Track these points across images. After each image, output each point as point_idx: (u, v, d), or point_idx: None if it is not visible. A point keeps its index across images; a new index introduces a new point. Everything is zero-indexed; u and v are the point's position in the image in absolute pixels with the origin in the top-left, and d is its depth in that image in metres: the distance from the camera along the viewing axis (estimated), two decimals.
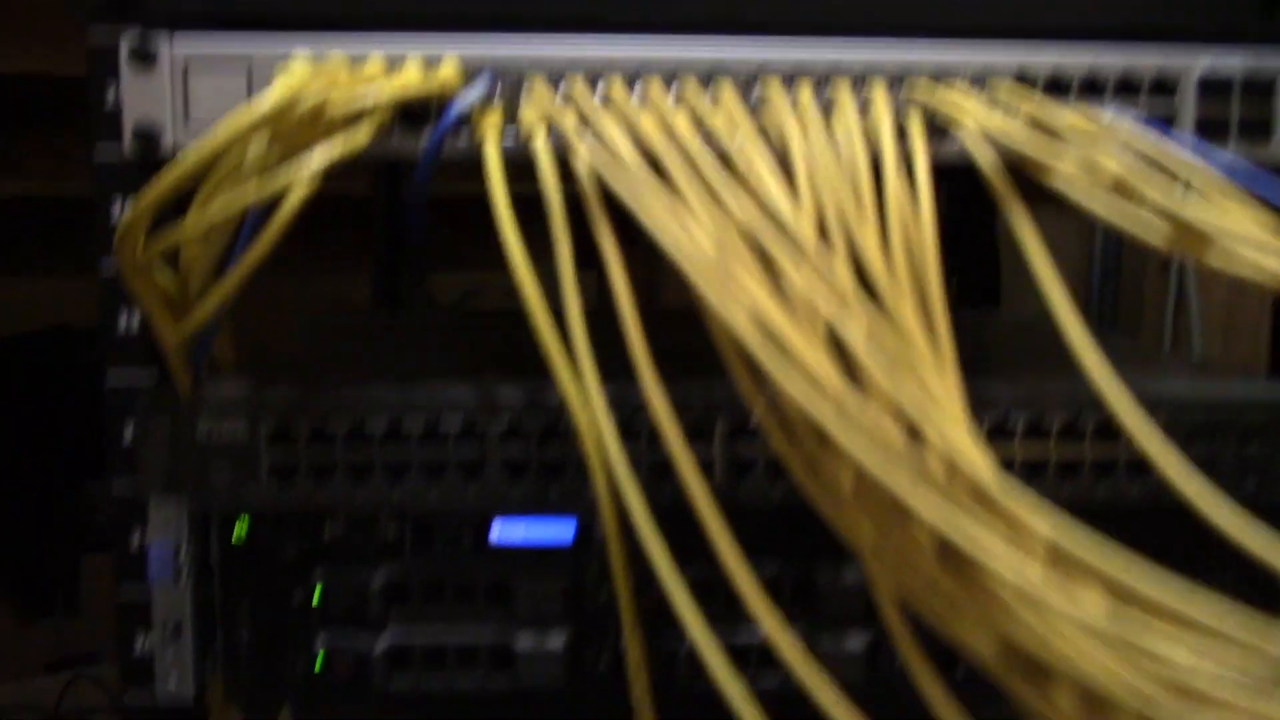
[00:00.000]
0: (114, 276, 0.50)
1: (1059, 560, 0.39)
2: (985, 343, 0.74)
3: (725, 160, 0.46)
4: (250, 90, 0.48)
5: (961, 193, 0.90)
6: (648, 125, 0.47)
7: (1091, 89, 0.51)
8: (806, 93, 0.49)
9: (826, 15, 0.51)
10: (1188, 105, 0.51)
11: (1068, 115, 0.48)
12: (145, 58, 0.48)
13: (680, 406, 0.45)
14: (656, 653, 0.52)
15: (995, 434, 0.51)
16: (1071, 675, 0.39)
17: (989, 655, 0.41)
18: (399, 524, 0.52)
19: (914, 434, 0.40)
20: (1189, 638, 0.38)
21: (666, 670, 0.52)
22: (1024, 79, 0.51)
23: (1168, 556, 0.40)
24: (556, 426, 0.50)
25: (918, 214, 0.46)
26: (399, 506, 0.51)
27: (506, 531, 0.52)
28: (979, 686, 0.46)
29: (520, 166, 0.48)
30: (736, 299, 0.41)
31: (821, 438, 0.42)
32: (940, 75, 0.50)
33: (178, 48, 0.49)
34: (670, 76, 0.50)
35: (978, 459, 0.40)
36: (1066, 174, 0.45)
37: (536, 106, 0.48)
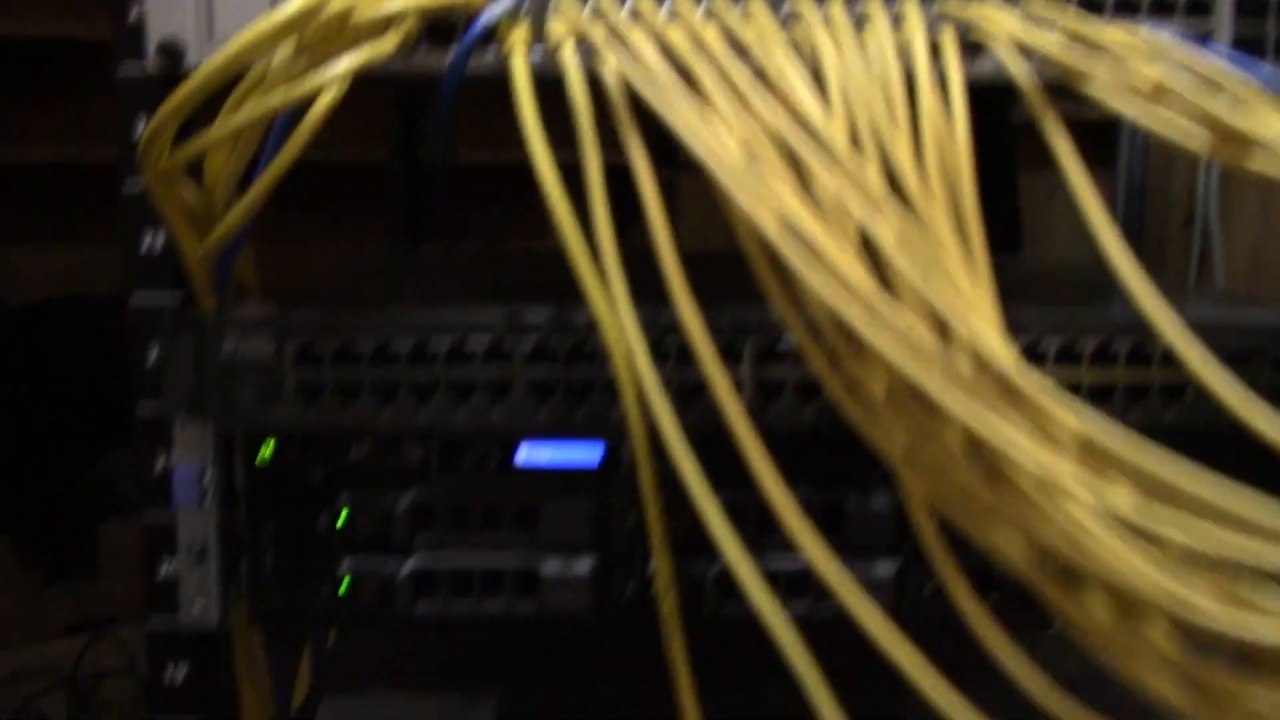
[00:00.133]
0: (138, 195, 0.50)
1: (1090, 455, 0.38)
2: (1010, 284, 0.73)
3: (756, 72, 0.45)
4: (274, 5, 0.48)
5: (982, 141, 0.89)
6: (677, 38, 0.46)
7: (1126, 8, 0.50)
8: (838, 7, 0.48)
9: None
10: (1224, 24, 0.51)
11: (1105, 29, 0.47)
12: None
13: (709, 330, 0.44)
14: (683, 579, 0.51)
15: (1028, 358, 0.50)
16: (1103, 576, 0.38)
17: (1021, 561, 0.40)
18: (425, 447, 0.51)
19: (945, 335, 0.40)
20: (1223, 532, 0.37)
21: (693, 596, 0.52)
22: None
23: None
24: (584, 348, 0.49)
25: (951, 126, 0.46)
26: (425, 428, 0.50)
27: (533, 454, 0.51)
28: (1011, 611, 0.46)
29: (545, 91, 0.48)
30: (765, 201, 0.41)
31: (852, 342, 0.41)
32: None
33: None
34: None
35: (1009, 357, 0.40)
36: (1104, 81, 0.44)
37: (564, 20, 0.48)
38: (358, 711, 0.64)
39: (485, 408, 0.50)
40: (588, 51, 0.47)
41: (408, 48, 0.46)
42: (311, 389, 0.49)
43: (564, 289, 0.51)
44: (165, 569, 0.53)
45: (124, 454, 1.45)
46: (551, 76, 0.47)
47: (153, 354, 0.52)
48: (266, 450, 0.51)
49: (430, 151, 1.05)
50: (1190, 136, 0.43)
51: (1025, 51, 0.47)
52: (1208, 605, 0.37)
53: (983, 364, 0.39)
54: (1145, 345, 0.51)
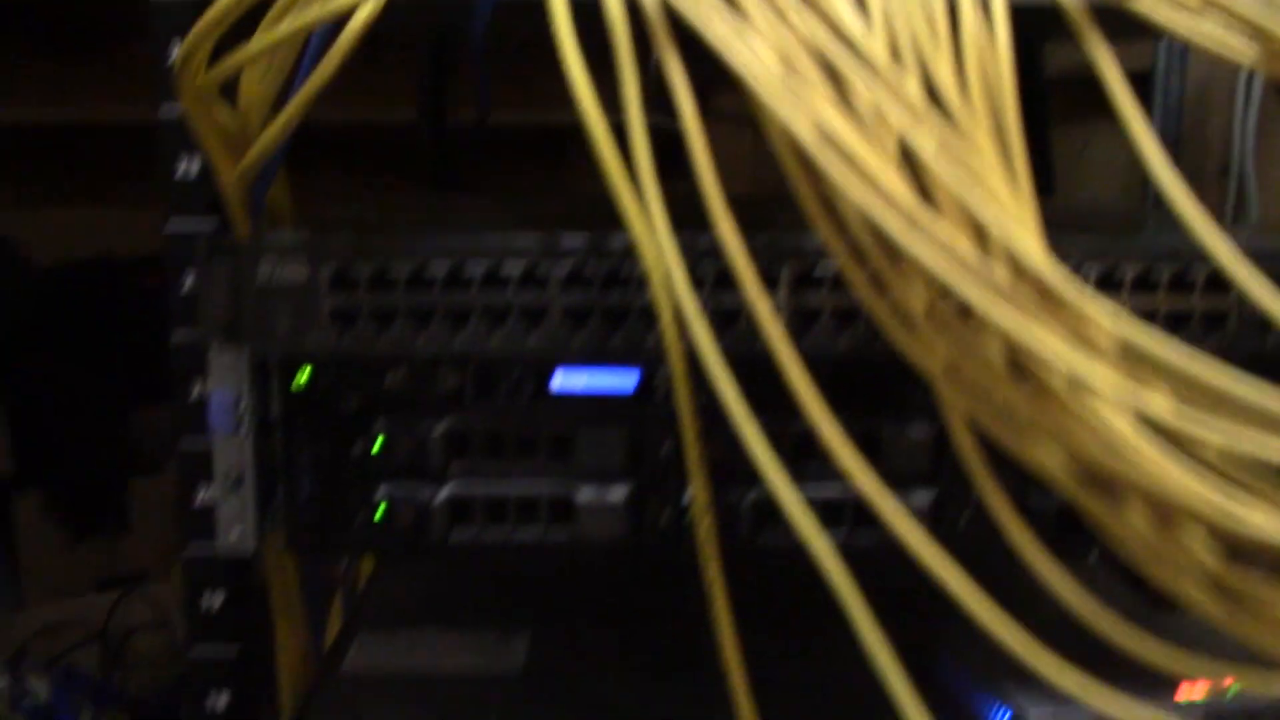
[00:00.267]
0: (173, 120, 0.49)
1: (1128, 361, 0.38)
2: (1046, 220, 0.72)
3: None
4: None
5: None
6: None
7: None
8: None
9: None
10: None
11: None
12: None
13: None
14: (717, 508, 0.51)
15: None
16: (1141, 485, 0.38)
17: (1061, 474, 0.40)
18: (460, 373, 0.51)
19: (985, 245, 0.39)
20: (1263, 435, 0.37)
21: (728, 524, 0.51)
22: None
23: None
24: (620, 272, 0.49)
25: (994, 43, 0.45)
26: (460, 354, 0.50)
27: (568, 381, 0.51)
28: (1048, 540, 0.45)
29: None
30: (803, 112, 0.40)
31: (892, 255, 0.41)
32: None
33: None
34: None
35: (1048, 264, 0.39)
36: None
37: None
38: (392, 647, 0.64)
39: (520, 333, 0.50)
40: None
41: None
42: (346, 314, 0.49)
43: (600, 222, 0.51)
44: (201, 496, 0.53)
45: (153, 413, 1.47)
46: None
47: (188, 281, 0.52)
48: (302, 377, 0.51)
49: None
50: (1238, 51, 0.43)
51: None
52: (1247, 512, 0.37)
53: (1022, 271, 0.38)
54: (1187, 272, 0.50)
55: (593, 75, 0.45)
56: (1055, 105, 0.98)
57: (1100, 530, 0.40)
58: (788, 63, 0.42)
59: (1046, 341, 0.38)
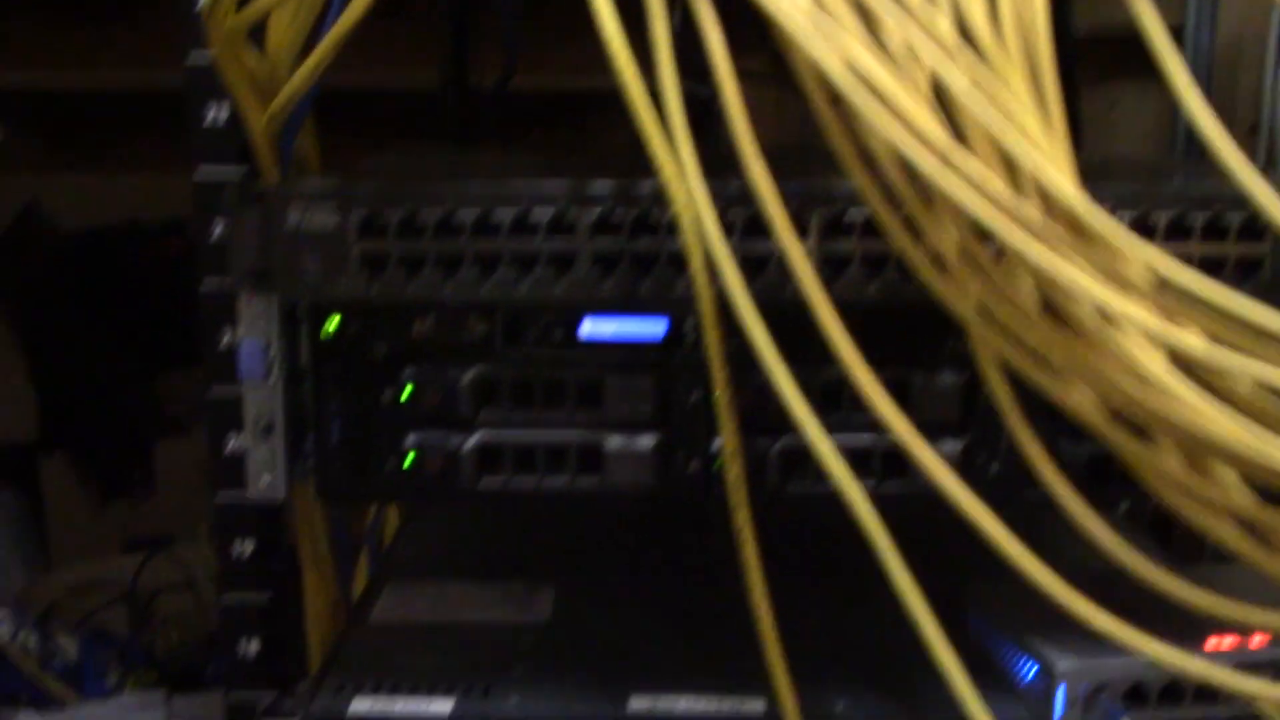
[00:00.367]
0: (201, 66, 0.49)
1: (1162, 297, 0.37)
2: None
3: None
4: None
5: None
6: None
7: None
8: None
9: None
10: None
11: None
12: None
13: None
14: (745, 455, 0.51)
15: None
16: (1173, 423, 0.38)
17: (1093, 414, 0.40)
18: (489, 321, 0.51)
19: (1017, 183, 0.39)
20: None
21: (756, 473, 0.51)
22: None
23: None
24: (649, 219, 0.49)
25: None
26: (488, 301, 0.50)
27: (597, 328, 0.51)
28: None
29: None
30: (833, 48, 0.40)
31: (924, 196, 0.41)
32: None
33: None
34: None
35: (1081, 199, 0.39)
36: None
37: None
38: (420, 598, 0.64)
39: (549, 280, 0.50)
40: None
41: None
42: (376, 260, 0.49)
43: (628, 171, 0.51)
44: (231, 445, 0.54)
45: (178, 377, 1.48)
46: None
47: (216, 229, 0.52)
48: (331, 324, 0.51)
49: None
50: None
51: None
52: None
53: (1055, 208, 0.38)
54: (1221, 218, 0.50)
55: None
56: (1082, 66, 0.97)
57: (1133, 471, 0.40)
58: (818, 1, 0.41)
59: (1079, 278, 0.38)
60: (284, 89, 0.46)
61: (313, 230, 0.49)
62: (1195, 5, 1.04)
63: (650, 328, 0.51)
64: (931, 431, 0.51)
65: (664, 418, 0.52)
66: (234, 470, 0.53)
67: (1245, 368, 0.37)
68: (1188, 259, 0.49)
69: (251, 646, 0.56)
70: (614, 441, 0.52)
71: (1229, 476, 0.39)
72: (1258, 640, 0.53)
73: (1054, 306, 0.40)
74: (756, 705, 0.54)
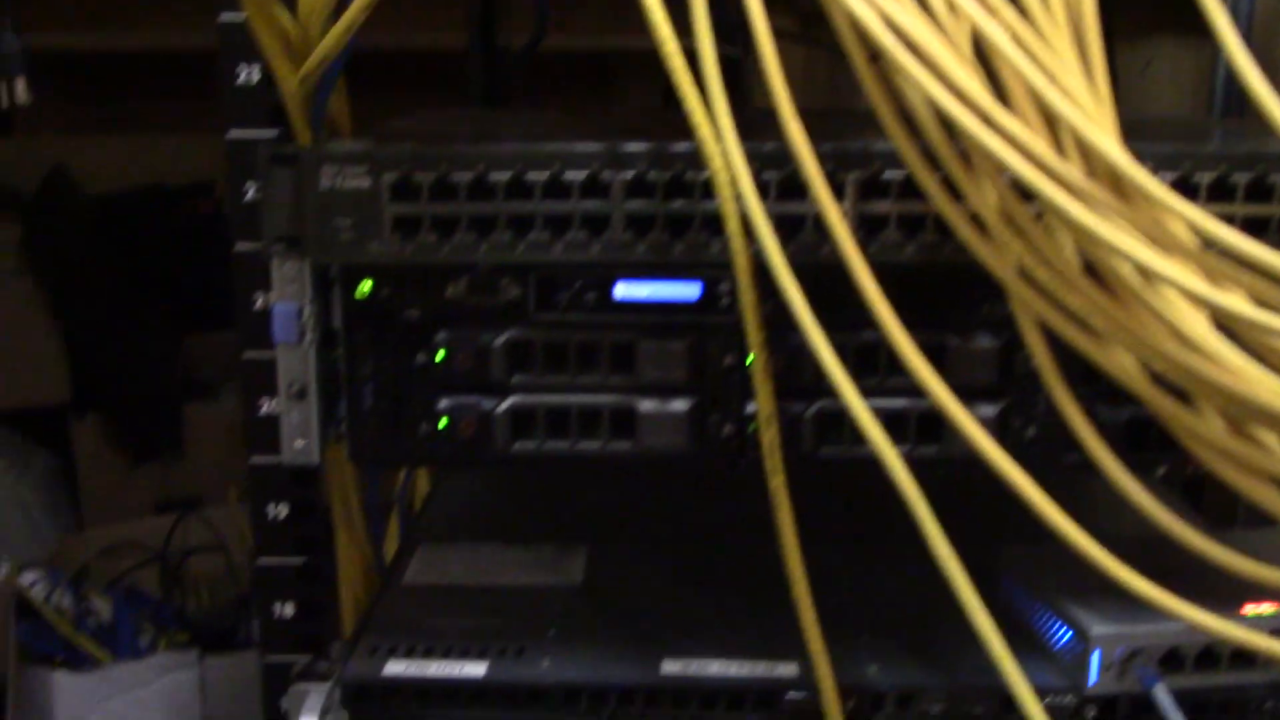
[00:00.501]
0: (233, 25, 0.49)
1: (1206, 258, 0.37)
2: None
3: None
4: None
5: None
6: None
7: None
8: None
9: None
10: None
11: None
12: None
13: None
14: (780, 419, 0.50)
15: None
16: (1219, 386, 0.37)
17: (1135, 376, 0.39)
18: (522, 283, 0.51)
19: (1059, 142, 0.39)
20: None
21: (790, 436, 0.51)
22: None
23: None
24: (683, 179, 0.48)
25: None
26: (522, 263, 0.50)
27: (630, 291, 0.51)
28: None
29: None
30: (871, 2, 0.39)
31: (964, 156, 0.40)
32: None
33: None
34: None
35: (1127, 159, 0.38)
36: None
37: None
38: (452, 561, 0.65)
39: (583, 242, 0.49)
40: None
41: None
42: (409, 223, 0.49)
43: (662, 134, 0.50)
44: (265, 408, 0.54)
45: (206, 339, 1.48)
46: None
47: (249, 191, 0.51)
48: (364, 287, 0.51)
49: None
50: None
51: None
52: None
53: (1097, 167, 0.37)
54: (1266, 179, 0.49)
55: None
56: (1117, 22, 0.96)
57: (1174, 435, 0.40)
58: None
59: (1122, 239, 0.37)
60: (315, 50, 0.46)
61: (345, 193, 0.49)
62: None
63: (684, 290, 0.51)
64: (968, 395, 0.51)
65: (698, 381, 0.51)
66: (267, 434, 0.53)
67: None
68: (1231, 220, 0.49)
69: (286, 609, 0.56)
70: (647, 405, 0.51)
71: (1271, 440, 0.38)
72: None
73: (1096, 268, 0.39)
74: (789, 669, 0.54)
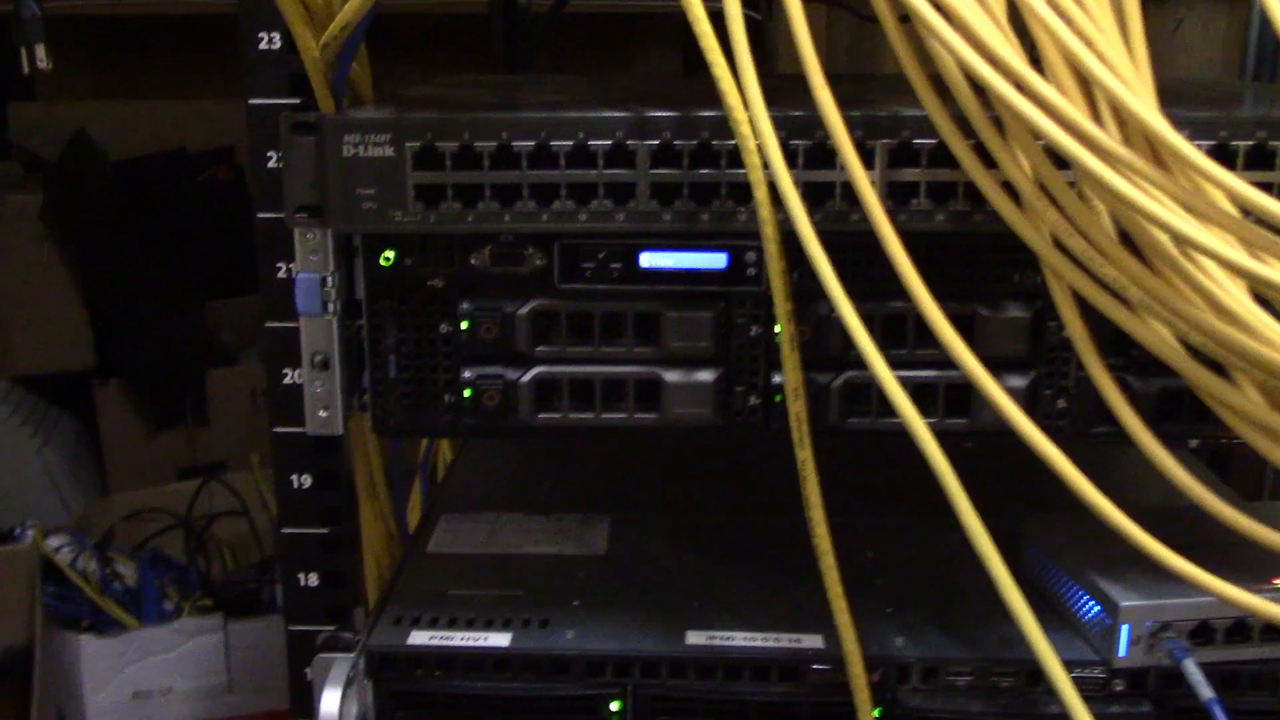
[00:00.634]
0: None
1: (1245, 227, 0.36)
2: None
3: None
4: None
5: None
6: None
7: None
8: None
9: None
10: None
11: None
12: None
13: None
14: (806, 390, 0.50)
15: None
16: (1257, 357, 0.36)
17: (1171, 348, 0.39)
18: (546, 253, 0.50)
19: (1095, 108, 0.38)
20: None
21: (815, 408, 0.50)
22: None
23: None
24: (710, 147, 0.48)
25: None
26: (546, 233, 0.49)
27: (656, 261, 0.50)
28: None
29: None
30: None
31: (998, 122, 0.39)
32: None
33: None
34: None
35: (1165, 125, 0.37)
36: None
37: None
38: (475, 531, 0.64)
39: (608, 211, 0.49)
40: None
41: None
42: (432, 191, 0.49)
43: (687, 100, 0.50)
44: (288, 378, 0.53)
45: (228, 305, 1.48)
46: None
47: (270, 158, 0.51)
48: (387, 256, 0.51)
49: None
50: None
51: None
52: None
53: (1133, 134, 0.37)
54: None
55: None
56: None
57: (1211, 407, 0.39)
58: None
59: (1159, 207, 0.36)
60: (337, 16, 0.45)
61: (368, 161, 0.48)
62: None
63: (710, 260, 0.50)
64: (996, 367, 0.51)
65: (723, 352, 0.51)
66: (291, 404, 0.53)
67: None
68: (1269, 189, 0.48)
69: (310, 579, 0.56)
70: (673, 376, 0.51)
71: None
72: None
73: (1132, 237, 0.39)
74: (814, 640, 0.53)
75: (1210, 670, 0.50)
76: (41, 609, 1.09)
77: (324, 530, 0.56)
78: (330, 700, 0.50)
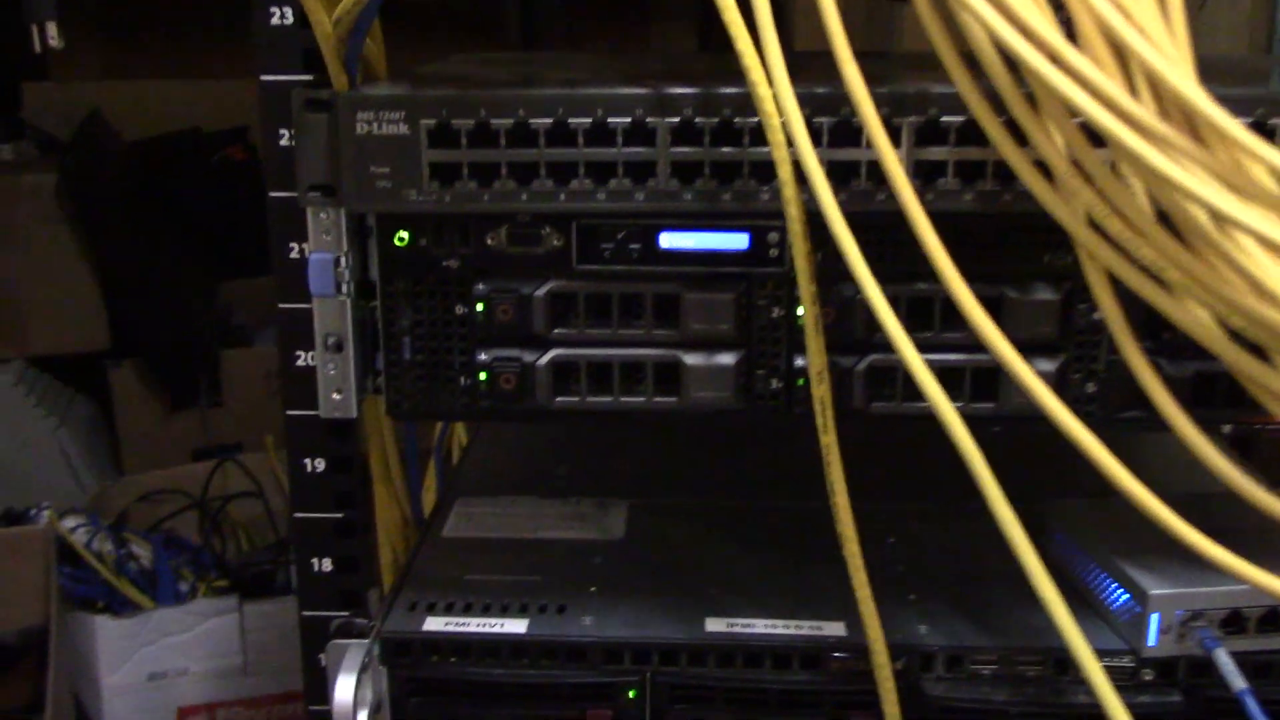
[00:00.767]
0: None
1: None
2: None
3: None
4: None
5: None
6: None
7: None
8: None
9: None
10: None
11: None
12: None
13: None
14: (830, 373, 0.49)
15: None
16: None
17: (1210, 331, 0.37)
18: (564, 232, 0.49)
19: (1134, 84, 0.36)
20: None
21: (839, 392, 0.49)
22: None
23: None
24: (732, 124, 0.47)
25: None
26: (564, 213, 0.48)
27: (676, 241, 0.49)
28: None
29: None
30: None
31: (1031, 97, 0.38)
32: None
33: None
34: None
35: (1204, 97, 0.36)
36: None
37: None
38: (490, 515, 0.64)
39: (627, 190, 0.48)
40: None
41: None
42: (447, 169, 0.48)
43: (708, 77, 0.48)
44: (302, 360, 0.52)
45: (242, 285, 1.48)
46: None
47: (283, 136, 0.50)
48: (402, 236, 0.50)
49: None
50: None
51: None
52: None
53: (1171, 109, 0.35)
54: None
55: None
56: None
57: (1251, 391, 0.38)
58: None
59: (1198, 184, 0.35)
60: None
61: (382, 139, 0.47)
62: None
63: (732, 240, 0.49)
64: (1026, 349, 0.49)
65: (745, 334, 0.50)
66: (305, 386, 0.52)
67: None
68: None
69: (324, 564, 0.55)
70: (693, 359, 0.50)
71: None
72: None
73: (1169, 216, 0.37)
74: (836, 628, 0.52)
75: (1242, 660, 0.49)
76: (57, 590, 1.09)
77: (338, 515, 0.55)
78: (344, 687, 0.50)
